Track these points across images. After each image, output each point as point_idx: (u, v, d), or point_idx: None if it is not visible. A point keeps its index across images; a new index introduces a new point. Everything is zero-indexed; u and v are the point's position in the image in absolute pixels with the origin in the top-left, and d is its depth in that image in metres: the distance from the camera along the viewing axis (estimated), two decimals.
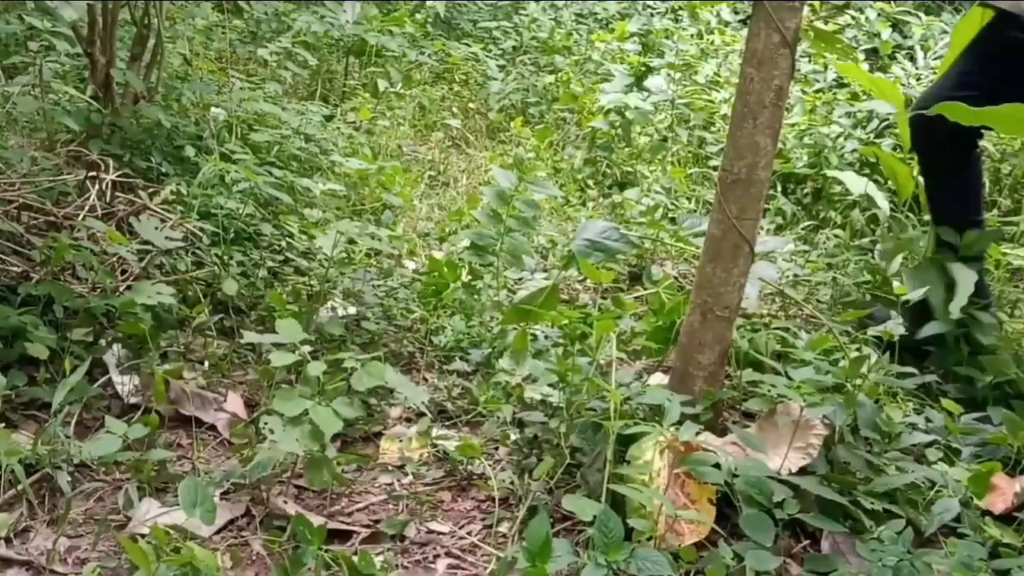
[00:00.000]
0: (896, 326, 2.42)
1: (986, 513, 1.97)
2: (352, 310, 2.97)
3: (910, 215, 3.70)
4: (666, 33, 6.26)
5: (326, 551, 1.76)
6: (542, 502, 2.04)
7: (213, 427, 2.37)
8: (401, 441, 2.34)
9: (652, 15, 6.85)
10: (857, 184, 3.77)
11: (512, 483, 2.14)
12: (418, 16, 6.44)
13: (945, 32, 6.17)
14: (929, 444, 2.17)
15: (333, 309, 2.95)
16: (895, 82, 4.76)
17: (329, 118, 4.53)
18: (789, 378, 2.06)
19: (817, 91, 5.23)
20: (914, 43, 5.86)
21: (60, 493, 1.96)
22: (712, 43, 6.18)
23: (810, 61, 5.62)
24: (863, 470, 2.02)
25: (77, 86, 3.59)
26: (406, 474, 2.23)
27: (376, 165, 3.93)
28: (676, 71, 5.27)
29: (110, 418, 2.10)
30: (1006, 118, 2.78)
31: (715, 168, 4.56)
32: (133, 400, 2.39)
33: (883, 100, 3.44)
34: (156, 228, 2.61)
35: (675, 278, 3.60)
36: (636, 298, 3.08)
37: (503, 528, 2.02)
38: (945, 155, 2.82)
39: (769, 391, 2.10)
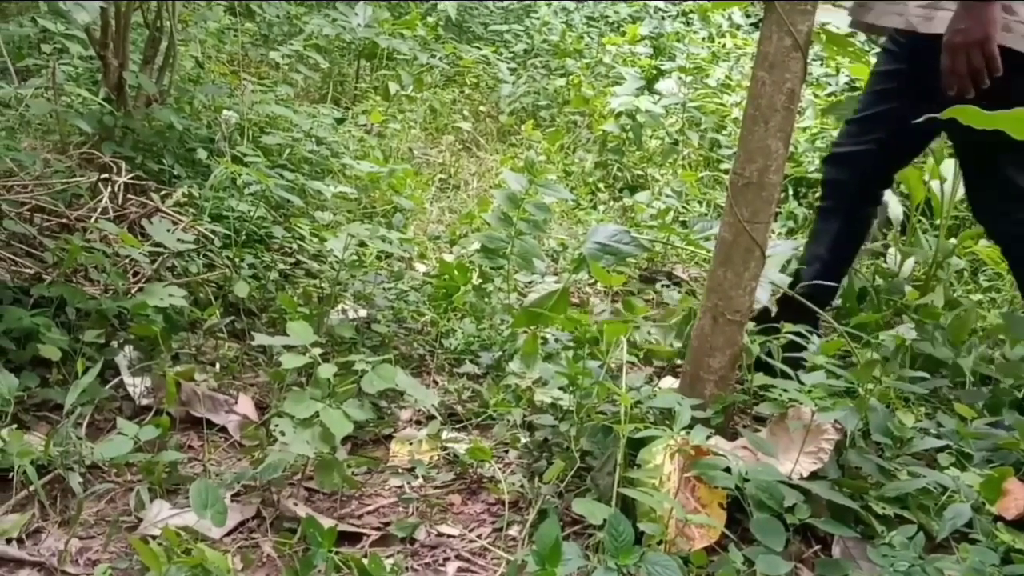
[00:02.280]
0: (908, 330, 2.41)
1: (998, 518, 1.96)
2: (363, 313, 2.98)
3: (922, 219, 3.69)
4: (677, 36, 6.26)
5: (336, 553, 1.76)
6: (552, 505, 2.04)
7: (224, 429, 2.38)
8: (411, 444, 2.34)
9: (663, 18, 6.85)
10: None
11: (522, 486, 2.14)
12: (429, 19, 6.46)
13: None
14: (941, 449, 2.16)
15: (344, 312, 2.95)
16: None
17: (340, 121, 4.54)
18: (800, 382, 2.05)
19: (829, 95, 5.22)
20: None
21: (72, 494, 1.97)
22: (723, 46, 6.18)
23: (822, 64, 5.61)
24: (874, 475, 2.01)
25: (90, 89, 3.60)
26: (416, 477, 2.23)
27: (387, 168, 3.94)
28: (687, 74, 5.27)
29: (122, 420, 2.10)
30: (1018, 122, 2.78)
31: (726, 172, 4.56)
32: (145, 402, 2.40)
33: None
34: (168, 230, 2.62)
35: (686, 281, 3.60)
36: (647, 301, 3.08)
37: (513, 531, 2.02)
38: (848, 197, 2.74)
39: (780, 395, 2.09)
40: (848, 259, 2.82)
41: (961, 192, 3.33)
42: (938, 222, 3.51)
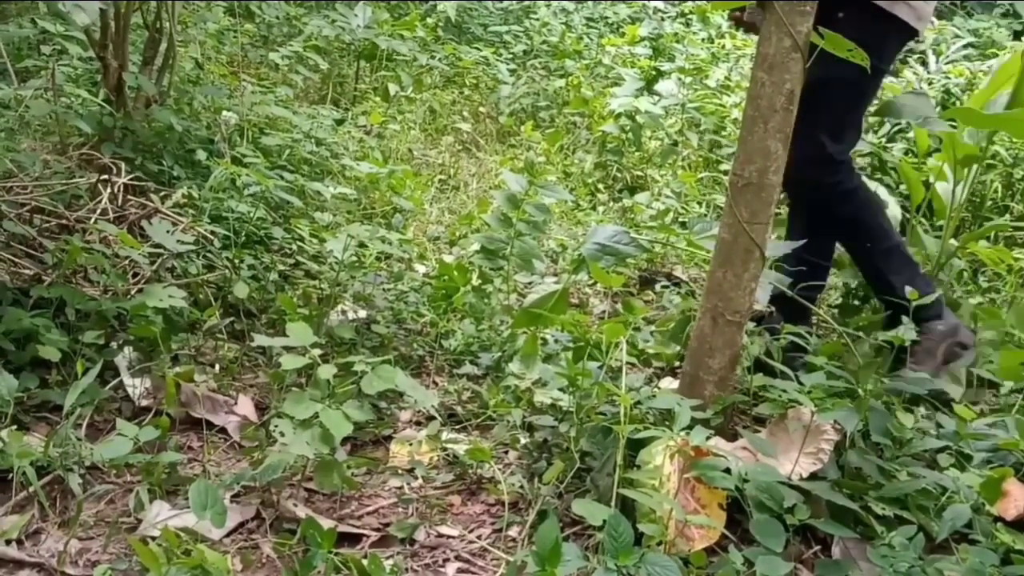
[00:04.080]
0: (909, 330, 2.41)
1: (998, 519, 1.96)
2: (362, 314, 2.97)
3: (922, 219, 3.68)
4: (676, 37, 6.26)
5: (336, 554, 1.76)
6: (552, 506, 2.04)
7: (224, 430, 2.38)
8: (411, 445, 2.34)
9: (662, 19, 6.85)
10: None
11: (522, 487, 2.14)
12: (429, 20, 6.46)
13: (957, 36, 6.15)
14: (940, 450, 2.16)
15: (343, 312, 2.95)
16: (907, 86, 4.75)
17: (340, 122, 4.54)
18: (800, 383, 2.05)
19: None
20: (926, 47, 5.84)
21: (71, 495, 1.97)
22: (723, 47, 6.18)
23: None
24: (874, 475, 2.01)
25: (89, 90, 3.60)
26: (416, 478, 2.23)
27: (387, 169, 3.94)
28: (687, 75, 5.27)
29: (121, 420, 2.10)
30: (1019, 123, 2.78)
31: (726, 172, 4.55)
32: (144, 403, 2.40)
33: None
34: (168, 231, 2.62)
35: (686, 282, 3.59)
36: (647, 302, 3.08)
37: (513, 532, 2.02)
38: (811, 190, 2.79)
39: (780, 396, 2.09)
40: (824, 253, 2.88)
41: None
42: (939, 223, 3.51)
